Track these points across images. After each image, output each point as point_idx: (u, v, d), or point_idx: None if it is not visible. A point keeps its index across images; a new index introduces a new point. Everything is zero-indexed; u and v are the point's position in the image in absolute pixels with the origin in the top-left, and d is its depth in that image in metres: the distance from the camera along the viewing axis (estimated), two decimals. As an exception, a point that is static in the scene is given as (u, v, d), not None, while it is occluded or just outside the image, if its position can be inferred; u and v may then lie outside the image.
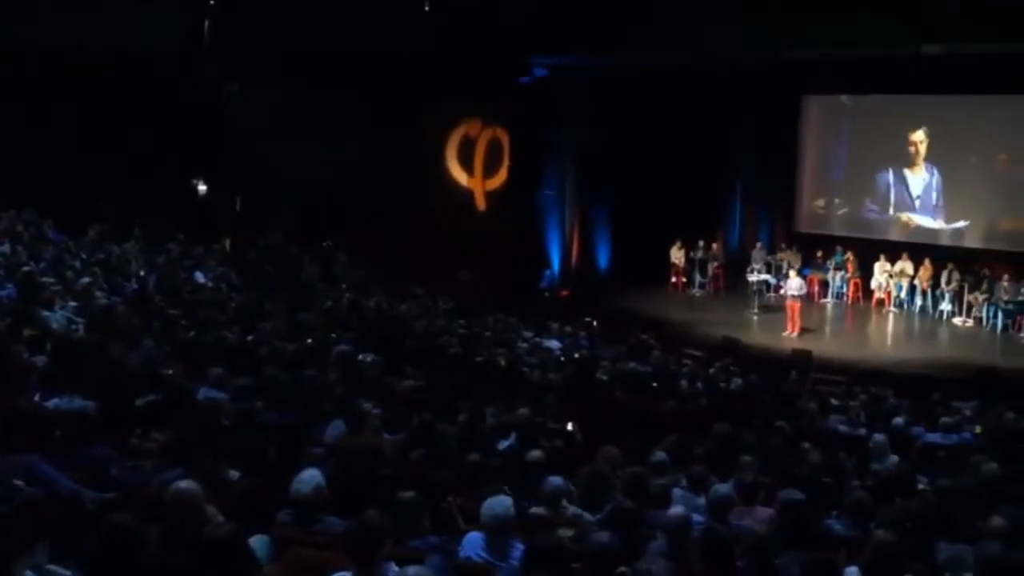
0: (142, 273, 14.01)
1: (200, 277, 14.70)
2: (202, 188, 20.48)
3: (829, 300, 19.27)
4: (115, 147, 17.47)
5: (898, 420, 9.71)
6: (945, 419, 9.65)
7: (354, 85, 18.95)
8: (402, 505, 4.99)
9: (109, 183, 17.13)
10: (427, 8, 18.57)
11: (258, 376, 8.12)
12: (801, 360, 14.20)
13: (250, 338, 10.48)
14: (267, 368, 8.50)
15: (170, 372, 8.04)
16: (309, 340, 10.78)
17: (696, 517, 5.36)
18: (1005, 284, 16.82)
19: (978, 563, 4.50)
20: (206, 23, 19.17)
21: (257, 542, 4.43)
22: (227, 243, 18.77)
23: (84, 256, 14.05)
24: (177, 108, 18.45)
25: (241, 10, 18.81)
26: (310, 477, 4.97)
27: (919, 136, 19.03)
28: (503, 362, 11.58)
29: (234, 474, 5.53)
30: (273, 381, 8.01)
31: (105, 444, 5.81)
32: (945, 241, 18.91)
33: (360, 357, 9.95)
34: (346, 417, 6.88)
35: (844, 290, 19.24)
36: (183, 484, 4.46)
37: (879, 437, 8.46)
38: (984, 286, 17.26)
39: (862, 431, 9.49)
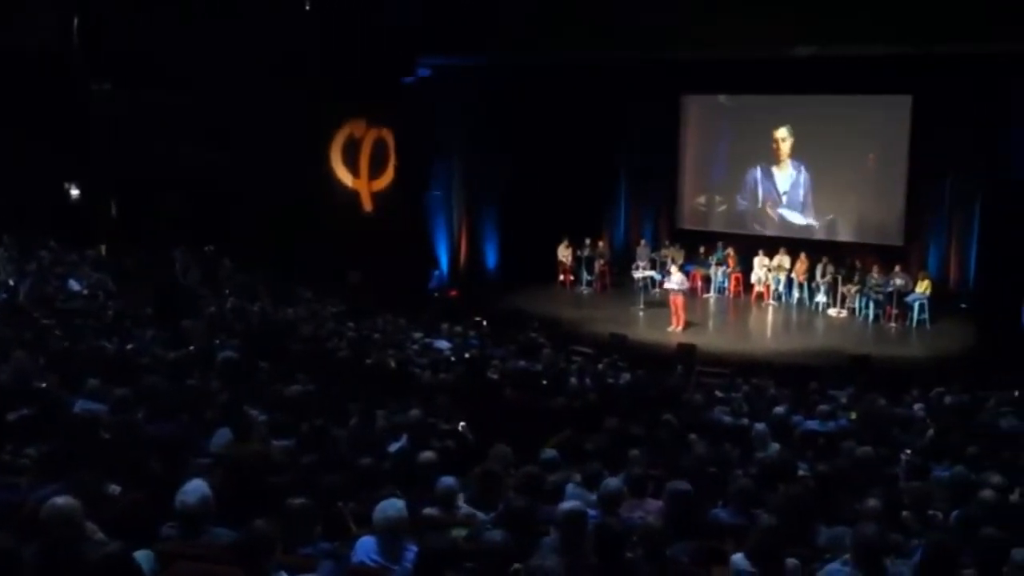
0: (11, 282, 13.45)
1: (74, 285, 14.20)
2: (75, 192, 19.67)
3: (712, 295, 19.76)
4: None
5: (779, 409, 10.01)
6: (822, 407, 10.02)
7: (236, 85, 18.50)
8: (292, 512, 4.91)
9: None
10: (307, 8, 18.28)
11: (138, 386, 7.87)
12: (686, 354, 14.52)
13: (129, 347, 10.17)
14: (148, 377, 8.25)
15: (44, 384, 7.74)
16: (191, 347, 10.51)
17: (589, 512, 5.42)
18: (875, 276, 17.62)
19: (855, 544, 4.67)
20: (75, 21, 18.41)
21: (141, 557, 4.28)
22: (102, 249, 18.09)
23: (-53, 265, 13.42)
24: (47, 109, 17.66)
25: (114, 7, 18.15)
26: (195, 488, 4.84)
27: (782, 133, 19.77)
28: (393, 364, 11.52)
29: (115, 488, 5.35)
30: (154, 391, 7.78)
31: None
32: (819, 236, 19.66)
33: (246, 363, 9.76)
34: (232, 425, 6.74)
35: (726, 285, 19.77)
36: (61, 500, 4.28)
37: (760, 427, 8.74)
38: (856, 278, 18.01)
39: (745, 421, 9.76)
